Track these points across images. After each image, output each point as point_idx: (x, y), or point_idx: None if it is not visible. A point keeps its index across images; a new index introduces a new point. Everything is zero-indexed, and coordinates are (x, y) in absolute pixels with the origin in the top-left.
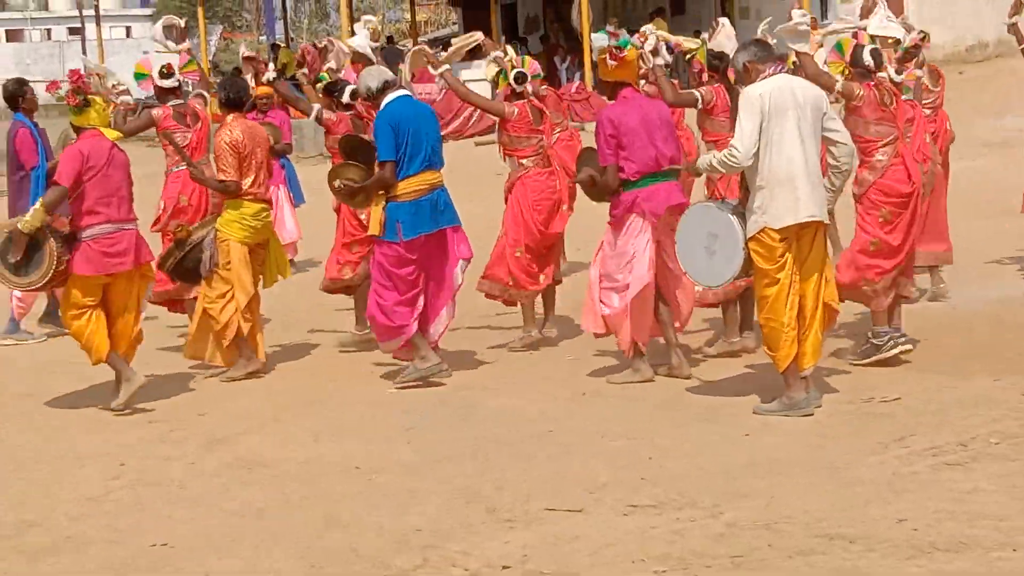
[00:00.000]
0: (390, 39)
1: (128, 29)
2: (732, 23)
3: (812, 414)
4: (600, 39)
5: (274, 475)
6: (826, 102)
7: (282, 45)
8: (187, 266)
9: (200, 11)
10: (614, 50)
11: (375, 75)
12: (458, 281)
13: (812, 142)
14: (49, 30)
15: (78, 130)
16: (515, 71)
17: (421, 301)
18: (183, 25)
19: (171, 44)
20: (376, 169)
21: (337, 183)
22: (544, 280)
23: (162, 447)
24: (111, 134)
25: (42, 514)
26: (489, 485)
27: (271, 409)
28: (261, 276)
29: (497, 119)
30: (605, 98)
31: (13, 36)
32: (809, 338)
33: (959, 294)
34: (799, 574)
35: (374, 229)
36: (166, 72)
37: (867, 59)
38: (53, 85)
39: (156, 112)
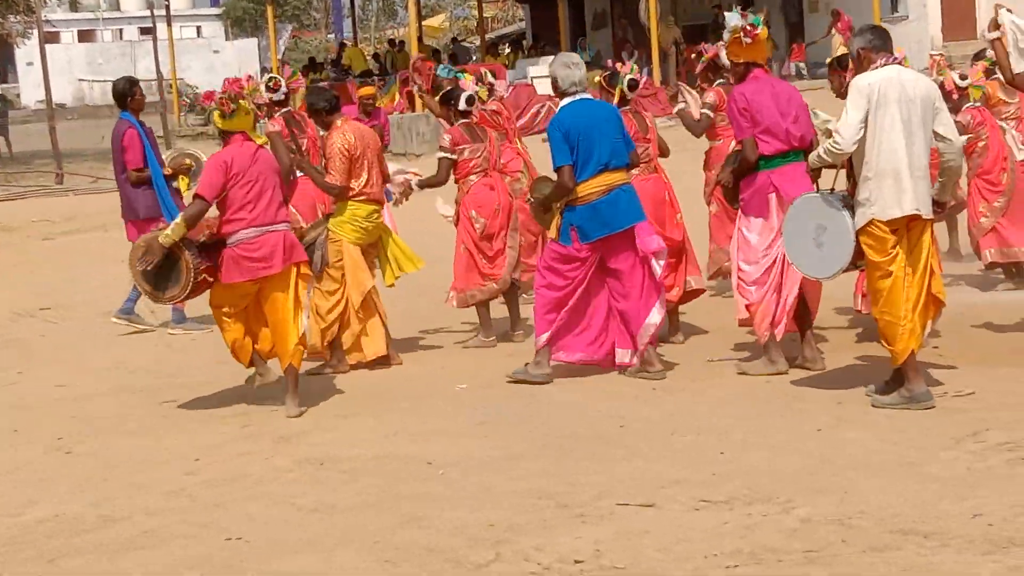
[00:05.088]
0: (455, 39)
1: (199, 29)
2: (801, 16)
3: (933, 406)
4: (733, 18)
5: (347, 471)
6: (939, 97)
7: (349, 44)
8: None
9: (270, 10)
10: (748, 27)
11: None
12: (657, 274)
13: (920, 136)
14: (121, 30)
15: (223, 134)
16: (466, 95)
17: (566, 314)
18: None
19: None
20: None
21: (533, 196)
22: (489, 282)
23: (236, 444)
24: (258, 138)
25: (121, 510)
26: (561, 481)
27: (341, 406)
28: (380, 272)
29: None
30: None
31: (85, 36)
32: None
33: None
34: (873, 570)
35: (552, 233)
36: (273, 87)
37: None
38: (208, 97)
39: (273, 128)
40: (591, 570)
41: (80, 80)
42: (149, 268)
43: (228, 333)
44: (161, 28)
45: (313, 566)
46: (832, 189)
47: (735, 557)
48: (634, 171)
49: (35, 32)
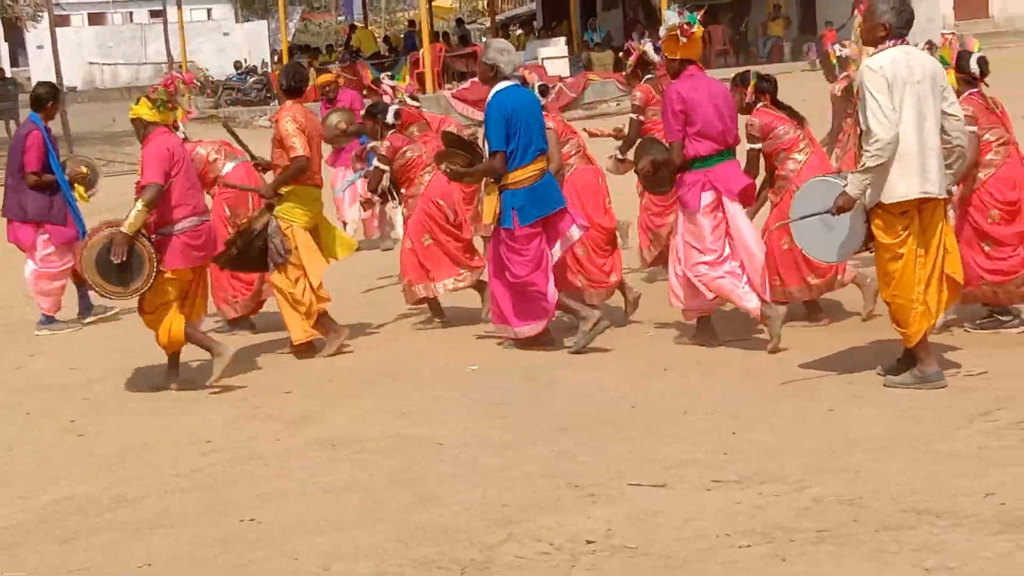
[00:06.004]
0: (459, 21)
1: (209, 11)
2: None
3: (945, 386)
4: (671, 16)
5: (360, 452)
6: (944, 76)
7: (359, 26)
8: (252, 255)
9: None
10: (685, 26)
11: (504, 58)
12: (556, 256)
13: (931, 117)
14: (131, 13)
15: (148, 125)
16: (394, 108)
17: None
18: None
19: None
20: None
21: (444, 167)
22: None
23: (249, 425)
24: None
25: (136, 491)
26: (572, 461)
27: (354, 387)
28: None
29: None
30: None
31: (95, 19)
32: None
33: None
34: (885, 549)
35: (488, 218)
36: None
37: (973, 67)
38: (170, 82)
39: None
40: (603, 550)
41: (91, 63)
42: (121, 260)
43: (163, 321)
44: (171, 11)
45: (328, 546)
46: (839, 170)
47: (747, 536)
48: (570, 160)
49: (45, 15)
